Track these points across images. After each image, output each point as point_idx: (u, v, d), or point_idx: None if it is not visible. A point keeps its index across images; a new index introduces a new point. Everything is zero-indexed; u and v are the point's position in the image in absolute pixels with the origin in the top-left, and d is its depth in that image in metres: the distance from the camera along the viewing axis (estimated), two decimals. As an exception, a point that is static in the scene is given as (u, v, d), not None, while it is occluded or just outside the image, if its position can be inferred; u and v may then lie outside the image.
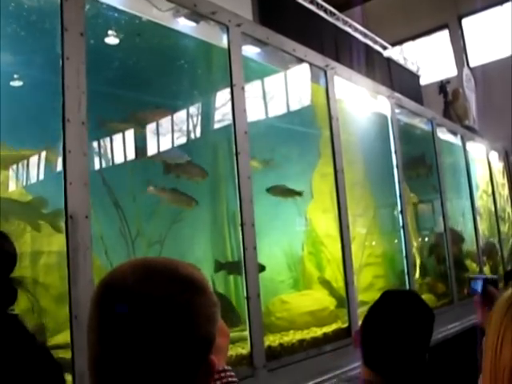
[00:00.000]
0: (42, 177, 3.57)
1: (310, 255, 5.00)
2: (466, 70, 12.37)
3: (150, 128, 4.13)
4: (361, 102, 5.44)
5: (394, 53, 12.19)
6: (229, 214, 4.28)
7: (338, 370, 3.80)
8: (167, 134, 4.24)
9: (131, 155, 4.06)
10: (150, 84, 3.99)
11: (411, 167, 6.31)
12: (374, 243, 5.74)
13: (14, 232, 2.85)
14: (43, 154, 3.52)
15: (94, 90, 2.69)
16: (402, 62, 12.48)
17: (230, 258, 4.29)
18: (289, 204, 4.75)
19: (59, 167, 2.70)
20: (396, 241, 5.66)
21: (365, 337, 1.84)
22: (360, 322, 2.00)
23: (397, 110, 5.84)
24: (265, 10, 7.61)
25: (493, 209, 8.83)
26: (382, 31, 11.90)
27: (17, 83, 3.38)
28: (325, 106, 4.52)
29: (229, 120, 3.64)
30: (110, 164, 4.09)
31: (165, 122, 4.26)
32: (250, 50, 4.06)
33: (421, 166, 6.73)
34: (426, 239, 7.02)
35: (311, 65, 4.55)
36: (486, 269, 7.92)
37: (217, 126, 4.44)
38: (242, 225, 3.41)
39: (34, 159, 3.54)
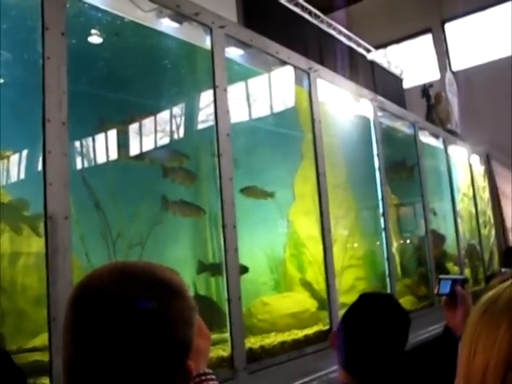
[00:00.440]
0: (22, 177, 3.53)
1: (291, 257, 5.00)
2: (448, 74, 12.49)
3: (133, 128, 4.10)
4: (344, 105, 5.45)
5: (377, 56, 12.26)
6: (211, 215, 4.26)
7: (319, 372, 3.80)
8: (150, 134, 4.22)
9: (113, 155, 4.03)
10: (131, 84, 3.96)
11: (393, 170, 6.35)
12: (355, 245, 5.75)
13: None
14: (24, 154, 3.48)
15: (75, 90, 2.67)
16: (385, 65, 12.56)
17: (212, 260, 4.27)
18: (271, 206, 4.74)
19: (39, 168, 2.67)
20: (378, 243, 5.69)
21: (341, 340, 1.84)
22: (340, 325, 2.01)
23: (379, 113, 5.86)
24: (249, 11, 7.60)
25: (474, 212, 8.93)
26: (365, 34, 11.97)
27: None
28: (308, 109, 4.53)
29: (211, 121, 3.64)
30: (92, 164, 4.06)
31: (147, 122, 4.24)
32: (234, 52, 4.05)
33: (403, 169, 6.76)
34: (408, 241, 7.07)
35: (295, 67, 4.55)
36: (467, 271, 8.01)
37: (199, 127, 4.42)
38: (223, 227, 3.40)
39: (14, 159, 3.50)
